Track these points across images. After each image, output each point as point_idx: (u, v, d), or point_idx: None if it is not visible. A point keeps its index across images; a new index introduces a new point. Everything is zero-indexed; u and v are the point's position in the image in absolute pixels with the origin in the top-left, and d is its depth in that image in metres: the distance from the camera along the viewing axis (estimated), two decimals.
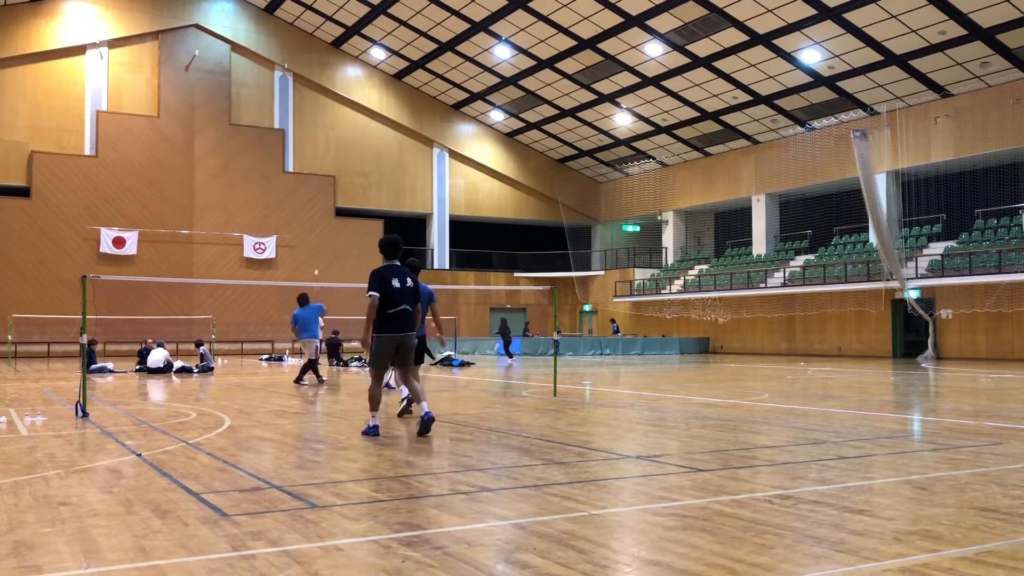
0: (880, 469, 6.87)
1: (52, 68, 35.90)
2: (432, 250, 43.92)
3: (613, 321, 41.48)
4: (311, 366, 16.94)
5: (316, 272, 29.46)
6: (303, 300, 17.13)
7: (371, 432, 8.81)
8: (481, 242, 45.11)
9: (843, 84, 32.37)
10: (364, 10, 36.69)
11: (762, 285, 36.14)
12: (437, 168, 43.94)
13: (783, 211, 39.83)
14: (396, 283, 8.77)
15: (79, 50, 36.27)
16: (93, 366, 21.72)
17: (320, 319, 17.51)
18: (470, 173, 44.74)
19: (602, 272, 45.59)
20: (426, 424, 8.74)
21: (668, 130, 39.67)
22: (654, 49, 33.42)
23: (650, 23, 31.69)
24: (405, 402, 10.82)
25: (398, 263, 9.00)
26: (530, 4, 32.52)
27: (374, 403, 8.94)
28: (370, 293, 8.67)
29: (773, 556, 4.20)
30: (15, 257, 34.53)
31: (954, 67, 29.57)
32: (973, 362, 27.69)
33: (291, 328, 17.34)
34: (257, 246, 38.83)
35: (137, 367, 22.59)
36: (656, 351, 37.37)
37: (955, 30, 27.50)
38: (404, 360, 9.03)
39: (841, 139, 33.47)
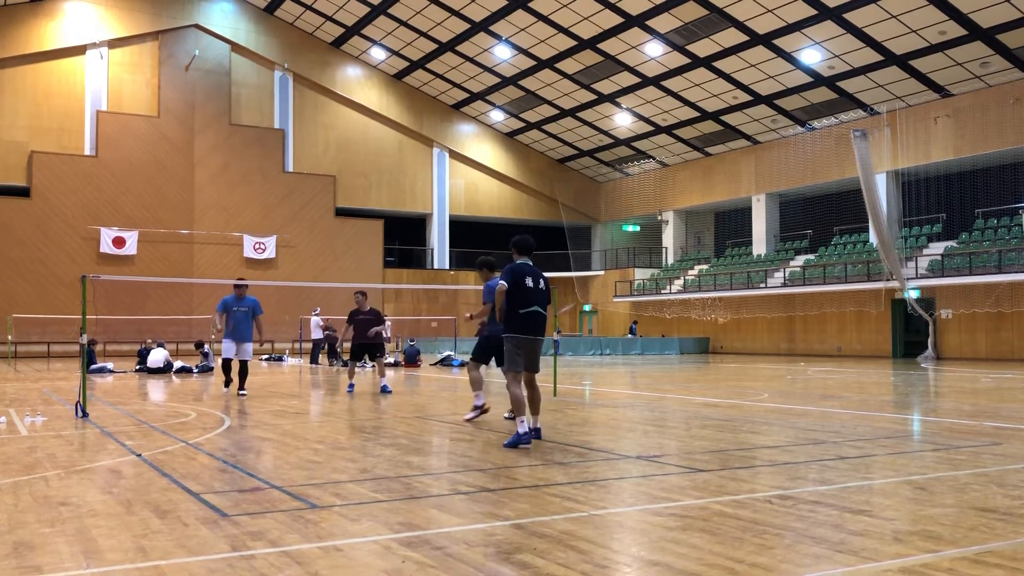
0: (880, 469, 6.87)
1: (52, 68, 35.90)
2: (432, 250, 43.92)
3: (635, 323, 41.34)
4: (228, 366, 14.37)
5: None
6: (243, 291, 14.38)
7: (521, 441, 7.95)
8: (481, 242, 45.06)
9: (843, 84, 32.36)
10: (364, 10, 36.69)
11: (762, 285, 36.14)
12: (437, 168, 43.93)
13: (783, 211, 39.83)
14: (530, 282, 8.29)
15: (79, 50, 36.26)
16: (93, 366, 21.72)
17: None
18: (470, 173, 44.74)
19: (602, 272, 45.59)
20: (525, 437, 8.02)
21: (668, 130, 39.66)
22: (654, 49, 33.41)
23: (650, 23, 31.69)
24: (476, 412, 10.46)
25: (531, 263, 8.52)
26: (530, 4, 32.51)
27: (518, 407, 8.16)
28: (501, 281, 8.27)
29: (773, 556, 4.20)
30: (15, 257, 34.52)
31: (954, 67, 29.56)
32: (973, 362, 27.68)
33: (218, 317, 14.35)
34: (257, 246, 38.84)
35: (137, 367, 22.59)
36: (656, 351, 37.37)
37: (955, 30, 27.50)
38: (532, 364, 8.42)
39: (841, 139, 33.47)
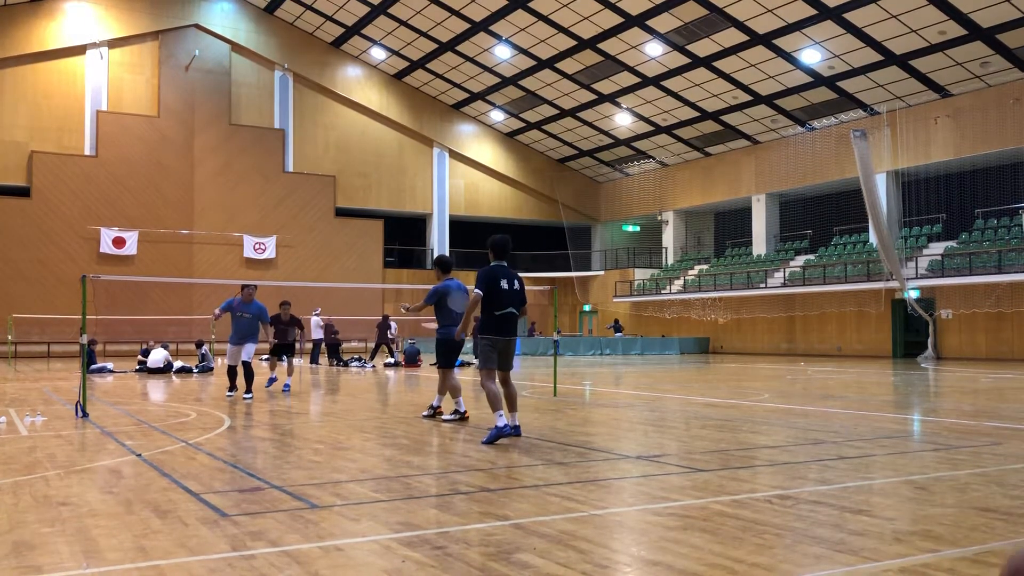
0: (880, 469, 6.87)
1: (52, 68, 35.90)
2: (432, 250, 43.88)
3: (616, 321, 41.47)
4: (234, 372, 13.97)
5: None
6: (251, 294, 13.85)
7: (502, 433, 8.25)
8: (481, 242, 44.80)
9: (843, 84, 32.36)
10: (364, 10, 36.69)
11: (762, 285, 36.13)
12: (437, 168, 43.93)
13: (783, 211, 39.83)
14: (505, 284, 8.65)
15: (79, 50, 36.26)
16: (93, 366, 21.72)
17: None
18: (470, 173, 44.74)
19: (602, 272, 45.57)
20: (506, 429, 8.35)
21: (668, 130, 39.66)
22: (654, 49, 33.41)
23: (650, 23, 31.69)
24: (431, 410, 10.85)
25: (506, 264, 8.86)
26: (530, 4, 32.51)
27: (494, 401, 8.44)
28: (476, 290, 8.59)
29: (773, 556, 4.20)
30: (15, 257, 34.51)
31: (954, 67, 29.56)
32: (973, 362, 27.68)
33: (218, 310, 14.05)
34: (257, 246, 38.83)
35: (138, 367, 22.61)
36: (656, 351, 37.37)
37: (955, 30, 27.50)
38: (506, 363, 8.74)
39: (841, 139, 33.46)
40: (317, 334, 27.81)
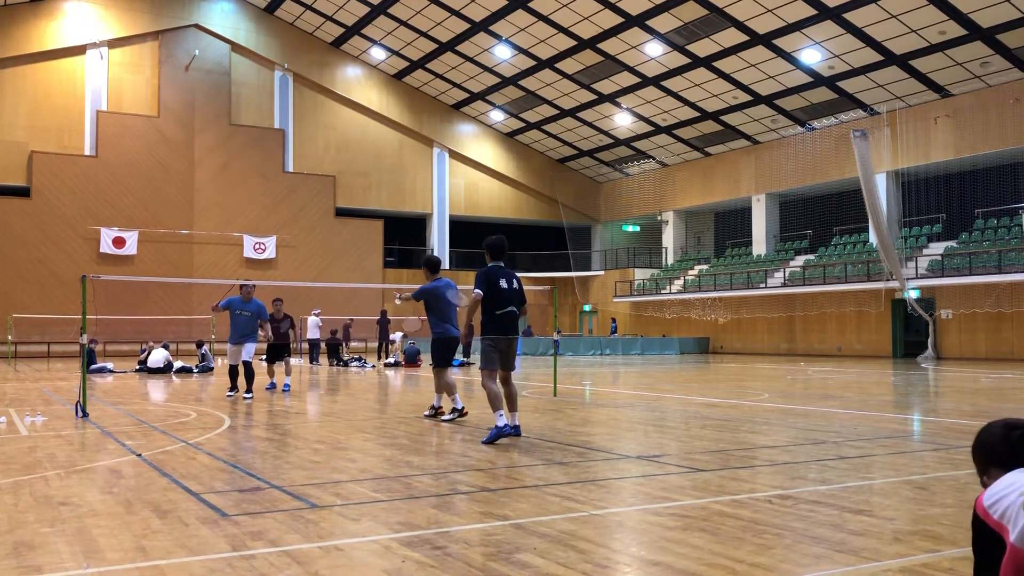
0: (880, 469, 6.87)
1: (52, 68, 35.89)
2: (432, 250, 43.89)
3: (613, 320, 41.59)
4: (234, 372, 14.01)
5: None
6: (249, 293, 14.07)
7: (502, 433, 8.24)
8: (481, 242, 44.77)
9: (843, 84, 32.36)
10: (364, 10, 36.68)
11: (762, 285, 36.13)
12: (437, 168, 43.93)
13: (783, 211, 39.83)
14: (504, 283, 8.69)
15: (79, 50, 36.25)
16: (93, 366, 21.72)
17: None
18: (470, 173, 44.73)
19: (602, 272, 45.58)
20: (506, 429, 8.34)
21: (668, 130, 39.66)
22: (654, 49, 33.41)
23: (650, 23, 31.69)
24: (432, 410, 10.90)
25: (503, 264, 8.91)
26: (530, 4, 32.51)
27: (495, 401, 8.44)
28: (476, 290, 8.59)
29: (773, 556, 4.20)
30: (15, 257, 34.50)
31: (954, 67, 29.56)
32: (973, 362, 27.68)
33: (215, 310, 14.04)
34: (257, 246, 38.82)
35: (138, 367, 22.62)
36: (656, 351, 37.37)
37: (955, 30, 27.50)
38: (508, 363, 8.73)
39: (841, 139, 33.46)
40: (314, 334, 27.82)
